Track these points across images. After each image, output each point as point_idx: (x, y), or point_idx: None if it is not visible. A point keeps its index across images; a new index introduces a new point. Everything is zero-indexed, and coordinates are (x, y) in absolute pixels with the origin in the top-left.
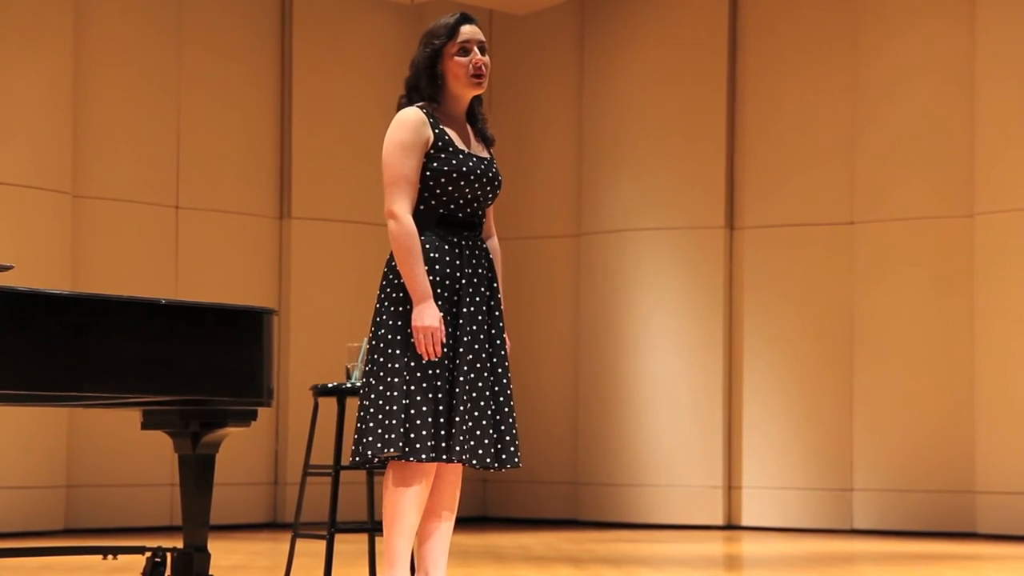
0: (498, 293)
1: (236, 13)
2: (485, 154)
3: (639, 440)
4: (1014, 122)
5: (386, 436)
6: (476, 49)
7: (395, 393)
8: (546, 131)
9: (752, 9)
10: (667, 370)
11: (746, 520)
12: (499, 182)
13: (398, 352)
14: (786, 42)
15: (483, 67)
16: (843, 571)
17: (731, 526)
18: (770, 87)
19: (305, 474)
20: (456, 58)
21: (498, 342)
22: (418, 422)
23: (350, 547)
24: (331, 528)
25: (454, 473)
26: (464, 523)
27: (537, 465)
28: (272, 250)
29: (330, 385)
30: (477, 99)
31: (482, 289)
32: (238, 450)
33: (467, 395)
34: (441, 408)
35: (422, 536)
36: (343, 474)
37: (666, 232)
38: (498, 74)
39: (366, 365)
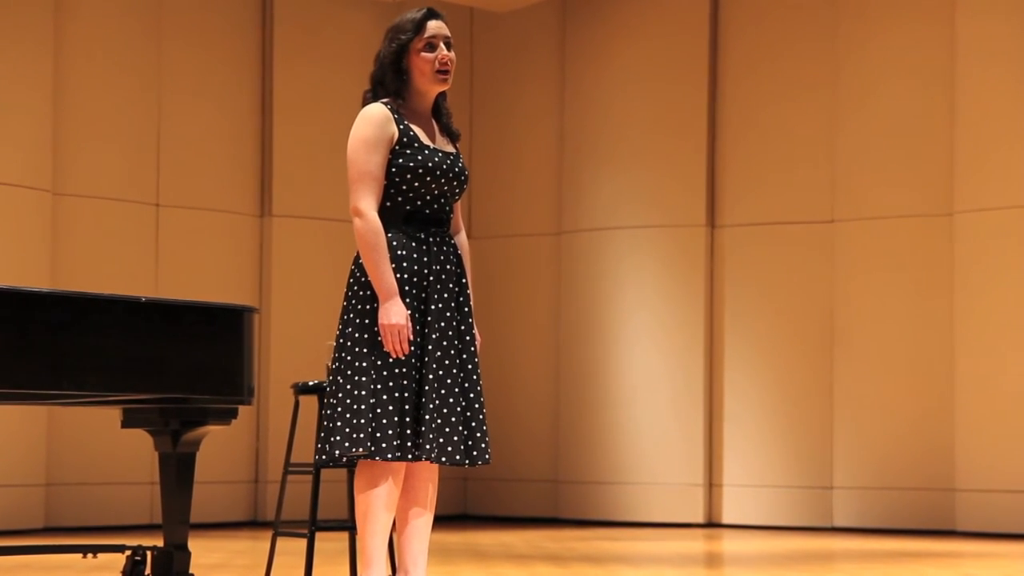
0: (467, 289)
1: (216, 10)
2: (451, 149)
3: (620, 438)
4: (994, 121)
5: (353, 436)
6: (442, 45)
7: (362, 392)
8: (527, 129)
9: (733, 7)
10: (648, 368)
11: (727, 518)
12: (465, 177)
13: (365, 351)
14: (767, 40)
15: (449, 63)
16: (823, 569)
17: (712, 524)
18: (751, 85)
19: (286, 472)
20: (422, 54)
21: (467, 338)
22: (384, 421)
23: (331, 545)
24: (312, 526)
25: (430, 471)
26: (445, 521)
27: (518, 463)
28: (253, 248)
29: (311, 383)
30: (442, 94)
31: (450, 285)
32: (218, 448)
33: (435, 392)
34: (408, 407)
35: (400, 535)
36: (324, 472)
37: (647, 230)
38: (479, 72)
39: (333, 363)
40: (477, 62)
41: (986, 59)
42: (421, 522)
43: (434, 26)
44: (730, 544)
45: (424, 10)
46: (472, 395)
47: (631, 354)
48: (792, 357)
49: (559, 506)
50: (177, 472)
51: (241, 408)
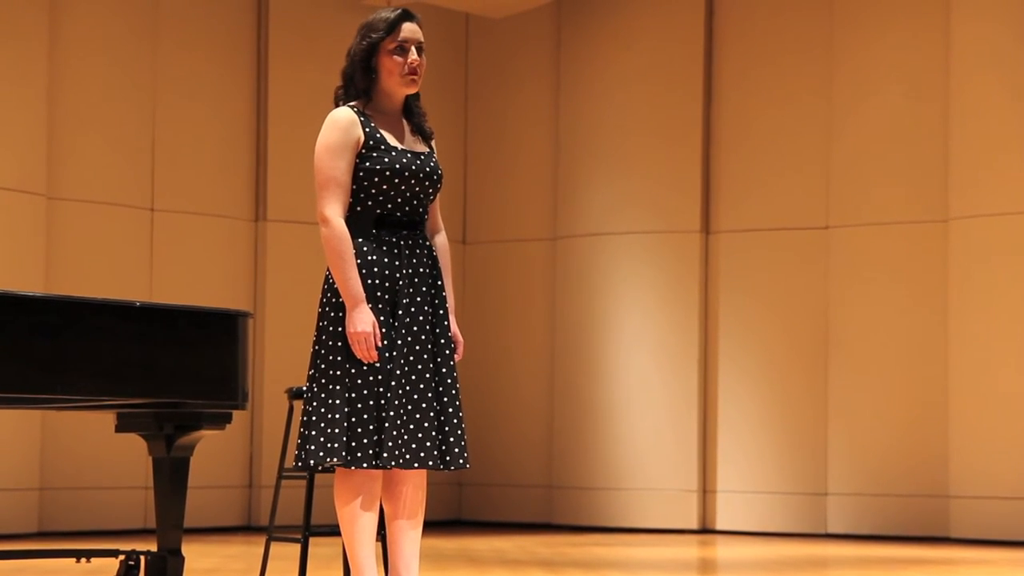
0: (443, 291)
1: (212, 13)
2: (423, 148)
3: (614, 444)
4: (988, 127)
5: (328, 445)
6: (413, 49)
7: (337, 401)
8: (522, 134)
9: (728, 13)
10: (642, 374)
11: (720, 524)
12: (438, 176)
13: (339, 359)
14: (762, 46)
15: (418, 68)
16: (817, 575)
17: (706, 530)
18: (746, 91)
19: (280, 477)
20: (392, 56)
21: (442, 341)
22: (359, 430)
23: (325, 550)
24: (306, 531)
25: (419, 477)
26: (438, 526)
27: (512, 469)
28: (247, 252)
29: (305, 388)
30: (414, 95)
31: (424, 288)
32: (212, 453)
33: (406, 397)
34: (383, 414)
35: (391, 541)
36: (317, 477)
37: (642, 236)
38: (474, 77)
39: (309, 371)
40: (472, 68)
41: (980, 65)
42: (411, 528)
43: (408, 29)
44: (724, 550)
45: (399, 11)
46: (446, 399)
47: (625, 360)
48: (787, 363)
49: (553, 512)
50: (171, 477)
51: (235, 413)
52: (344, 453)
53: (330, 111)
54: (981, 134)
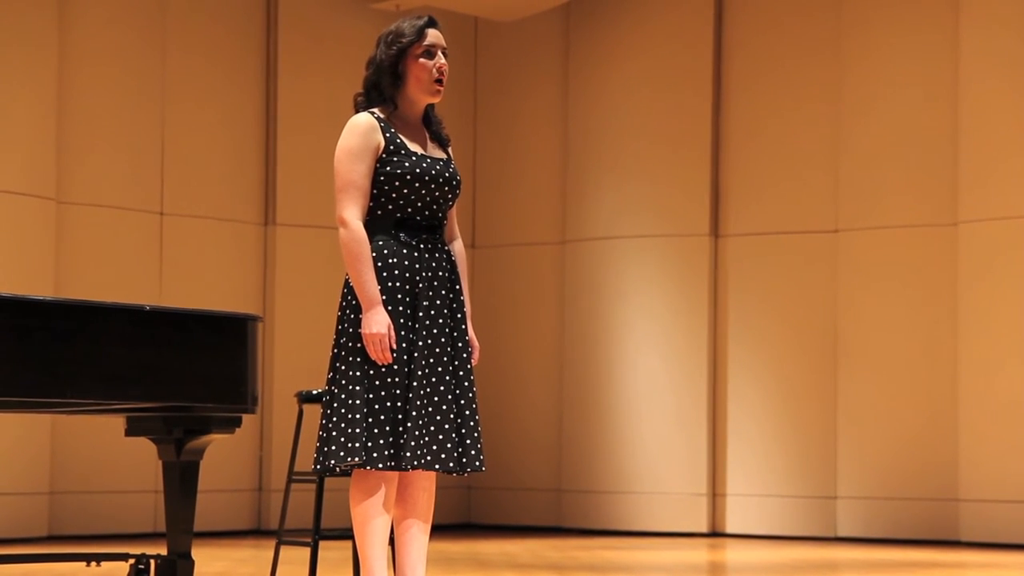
0: (461, 295)
1: (220, 19)
2: (442, 155)
3: (624, 447)
4: (998, 131)
5: (348, 445)
6: (440, 54)
7: (356, 402)
8: (531, 138)
9: (737, 17)
10: (652, 377)
11: (730, 527)
12: (457, 182)
13: (358, 360)
14: (771, 50)
15: (445, 72)
16: None
17: (715, 533)
18: (755, 95)
19: (290, 481)
20: (420, 60)
21: (460, 345)
22: (376, 431)
23: (334, 554)
24: (315, 535)
25: (427, 479)
26: (448, 530)
27: (521, 472)
28: (257, 256)
29: (315, 392)
30: (431, 103)
31: (443, 292)
32: (222, 457)
33: (426, 399)
34: (401, 416)
35: (398, 544)
36: (327, 481)
37: (651, 239)
38: (483, 81)
39: (328, 373)
40: (481, 71)
41: (990, 69)
42: (418, 531)
43: (434, 34)
44: (734, 554)
45: (426, 17)
46: (464, 402)
47: (635, 363)
48: (796, 366)
49: (562, 515)
50: (181, 481)
51: (245, 417)
52: (363, 453)
53: (339, 114)
54: (990, 137)
